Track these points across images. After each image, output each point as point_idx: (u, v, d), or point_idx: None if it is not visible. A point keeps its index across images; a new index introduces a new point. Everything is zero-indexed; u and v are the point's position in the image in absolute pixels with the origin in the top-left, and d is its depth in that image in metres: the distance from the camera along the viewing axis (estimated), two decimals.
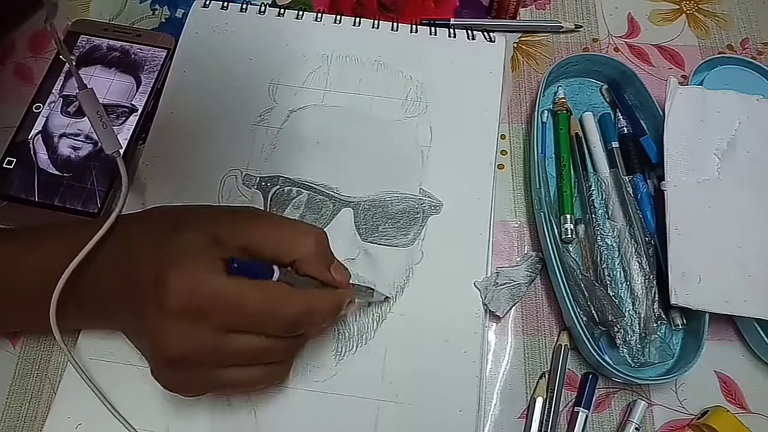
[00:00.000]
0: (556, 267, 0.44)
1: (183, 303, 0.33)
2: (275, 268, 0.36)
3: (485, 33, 0.54)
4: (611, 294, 0.44)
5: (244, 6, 0.55)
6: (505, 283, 0.45)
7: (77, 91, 0.40)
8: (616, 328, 0.43)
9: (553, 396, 0.42)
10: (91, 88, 0.41)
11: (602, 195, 0.48)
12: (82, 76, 0.51)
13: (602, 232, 0.46)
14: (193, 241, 0.35)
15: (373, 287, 0.43)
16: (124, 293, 0.36)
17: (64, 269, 0.36)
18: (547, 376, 0.43)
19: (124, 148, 0.48)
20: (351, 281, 0.41)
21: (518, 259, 0.47)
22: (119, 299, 0.37)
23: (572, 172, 0.49)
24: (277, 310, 0.35)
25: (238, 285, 0.34)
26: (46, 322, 0.37)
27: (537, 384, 0.43)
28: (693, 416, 0.43)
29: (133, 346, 0.39)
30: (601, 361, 0.41)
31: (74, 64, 0.51)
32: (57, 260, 0.36)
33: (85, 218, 0.46)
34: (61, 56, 0.51)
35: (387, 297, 0.44)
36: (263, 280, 0.35)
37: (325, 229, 0.46)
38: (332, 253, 0.40)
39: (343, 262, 0.45)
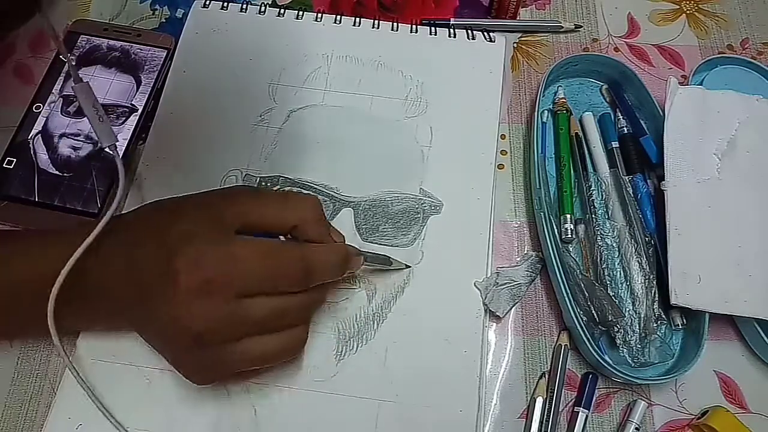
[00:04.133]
0: (556, 267, 0.44)
1: (194, 278, 0.34)
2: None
3: (485, 33, 0.54)
4: (611, 294, 0.44)
5: (244, 6, 0.55)
6: (505, 283, 0.45)
7: (73, 84, 0.40)
8: (616, 328, 0.43)
9: (553, 396, 0.42)
10: (87, 82, 0.40)
11: (602, 195, 0.48)
12: (81, 76, 0.51)
13: (602, 232, 0.46)
14: (194, 225, 0.36)
15: (389, 256, 0.44)
16: (129, 288, 0.37)
17: (59, 271, 0.36)
18: (547, 376, 0.43)
19: (124, 148, 0.48)
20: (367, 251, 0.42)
21: (518, 259, 0.47)
22: (124, 295, 0.37)
23: (572, 172, 0.49)
24: (286, 262, 0.36)
25: (244, 246, 0.35)
26: (41, 327, 0.36)
27: (537, 384, 0.43)
28: (693, 416, 0.43)
29: (140, 347, 0.39)
30: (601, 361, 0.41)
31: (74, 63, 0.51)
32: (52, 263, 0.36)
33: (82, 220, 0.46)
34: (61, 56, 0.51)
35: (407, 266, 0.45)
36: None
37: None
38: (326, 218, 0.41)
39: None
